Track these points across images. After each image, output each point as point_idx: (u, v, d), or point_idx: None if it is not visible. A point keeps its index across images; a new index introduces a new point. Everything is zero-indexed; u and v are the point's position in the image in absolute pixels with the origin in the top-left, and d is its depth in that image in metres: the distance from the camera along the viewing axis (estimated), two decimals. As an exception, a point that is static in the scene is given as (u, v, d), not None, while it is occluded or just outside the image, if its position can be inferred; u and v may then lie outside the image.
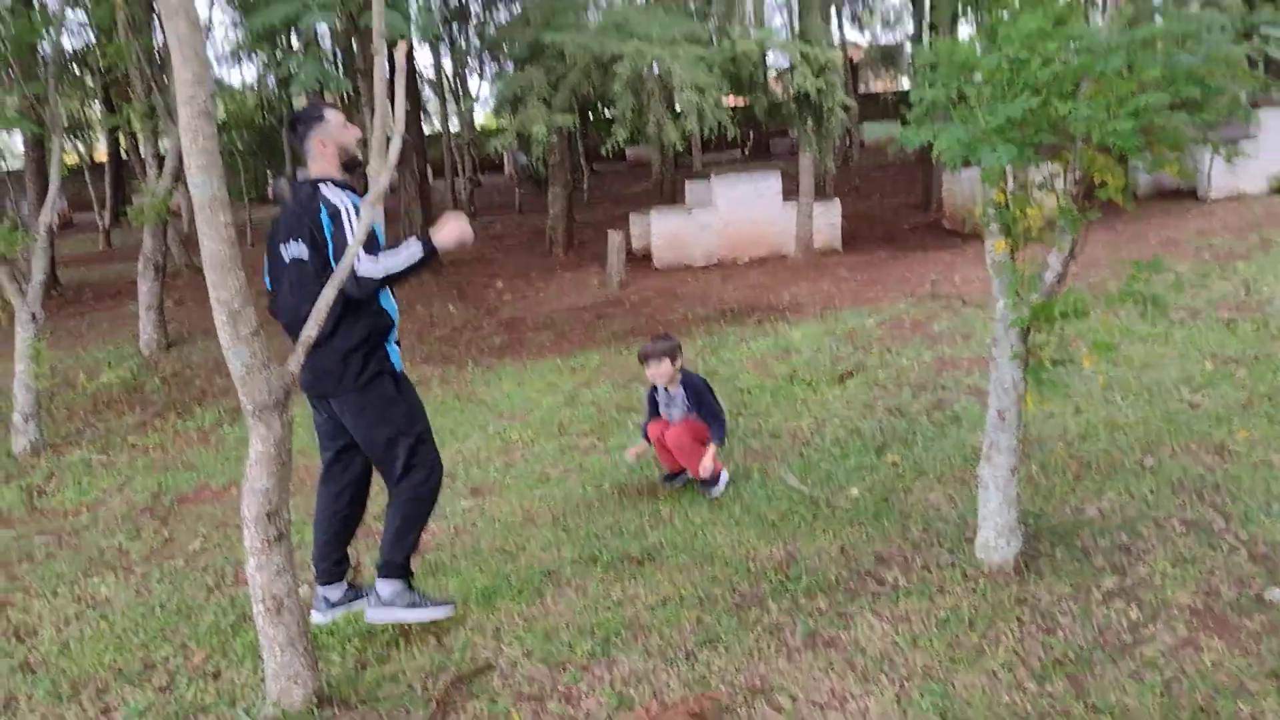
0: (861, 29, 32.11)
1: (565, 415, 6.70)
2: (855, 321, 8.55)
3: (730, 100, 13.21)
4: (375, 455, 3.63)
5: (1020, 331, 3.70)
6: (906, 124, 3.71)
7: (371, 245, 3.35)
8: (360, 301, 3.45)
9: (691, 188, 14.63)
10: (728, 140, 30.48)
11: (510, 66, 10.82)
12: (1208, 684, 2.96)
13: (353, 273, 3.28)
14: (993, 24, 3.57)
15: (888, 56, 31.31)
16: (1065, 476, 4.64)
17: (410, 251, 3.38)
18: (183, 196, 17.34)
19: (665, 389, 5.10)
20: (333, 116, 3.59)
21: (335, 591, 3.81)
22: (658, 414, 5.18)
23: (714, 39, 8.70)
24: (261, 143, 27.95)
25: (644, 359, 5.09)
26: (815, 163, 12.11)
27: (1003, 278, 3.71)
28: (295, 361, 3.24)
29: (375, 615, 3.74)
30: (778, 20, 22.01)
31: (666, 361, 5.01)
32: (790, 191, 13.43)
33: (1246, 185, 13.47)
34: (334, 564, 3.80)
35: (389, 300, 3.61)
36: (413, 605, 3.72)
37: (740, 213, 13.30)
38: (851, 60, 28.27)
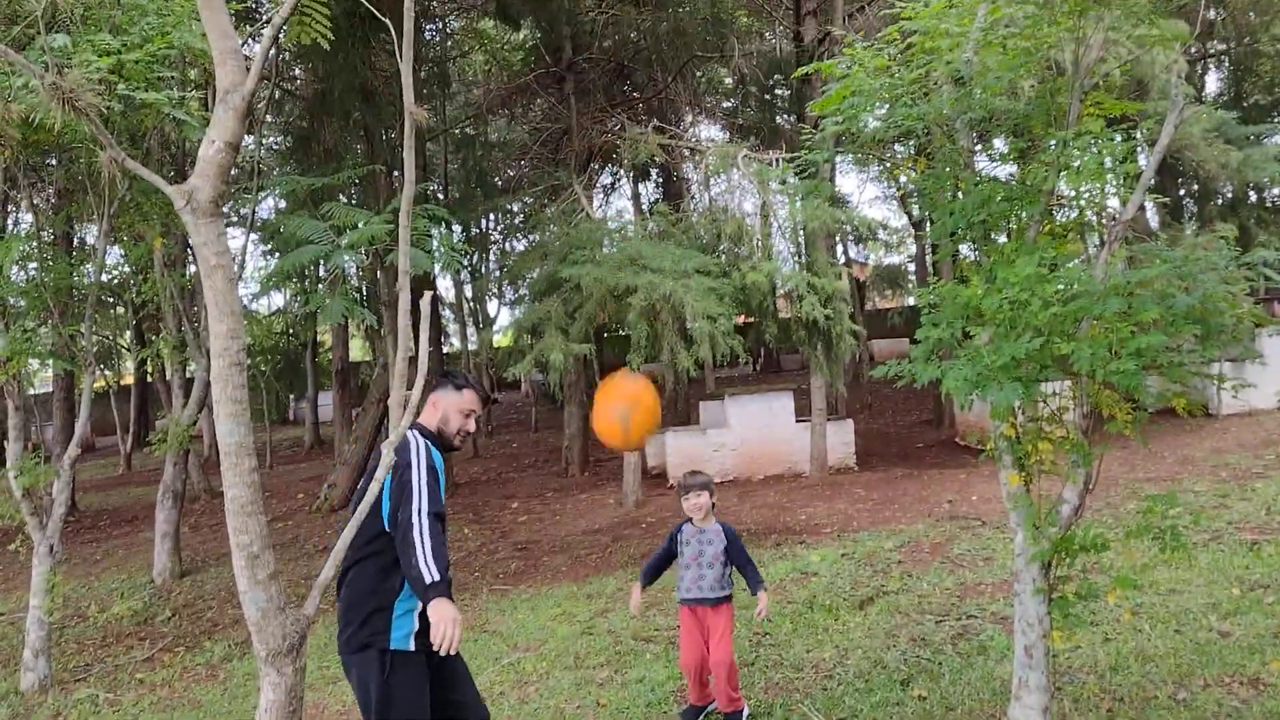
0: (866, 253, 33.37)
1: (581, 646, 6.55)
2: (873, 544, 8.46)
3: (740, 318, 13.63)
4: None
5: (1041, 565, 3.67)
6: (913, 361, 3.83)
7: (435, 502, 3.44)
8: (377, 550, 3.50)
9: (705, 408, 14.84)
10: (738, 358, 31.10)
11: (527, 296, 11.25)
12: None
13: (413, 519, 3.38)
14: (992, 266, 3.75)
15: (892, 277, 32.34)
16: (1099, 712, 4.47)
17: (434, 571, 3.30)
18: (205, 422, 17.64)
19: (698, 527, 4.97)
20: (467, 398, 3.81)
21: None
22: (669, 557, 5.05)
23: (725, 270, 9.08)
24: (285, 367, 28.64)
25: (685, 490, 4.99)
26: (827, 384, 12.33)
27: (1019, 510, 3.72)
28: (311, 603, 3.24)
29: None
30: (786, 250, 22.93)
31: (706, 494, 4.96)
32: (803, 410, 13.61)
33: (1257, 402, 13.57)
34: None
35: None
36: None
37: (754, 432, 13.44)
38: (858, 280, 29.19)
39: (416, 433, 3.65)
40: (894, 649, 5.73)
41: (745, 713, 4.87)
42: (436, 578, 3.28)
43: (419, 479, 3.46)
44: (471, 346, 26.71)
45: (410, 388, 3.75)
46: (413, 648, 3.49)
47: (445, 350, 27.39)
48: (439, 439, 3.76)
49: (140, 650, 7.69)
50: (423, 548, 3.33)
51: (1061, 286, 3.49)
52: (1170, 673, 4.82)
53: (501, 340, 33.07)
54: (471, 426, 3.83)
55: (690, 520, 5.04)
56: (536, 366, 9.12)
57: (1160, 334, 3.29)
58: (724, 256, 9.74)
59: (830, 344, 10.42)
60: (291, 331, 27.39)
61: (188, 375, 11.17)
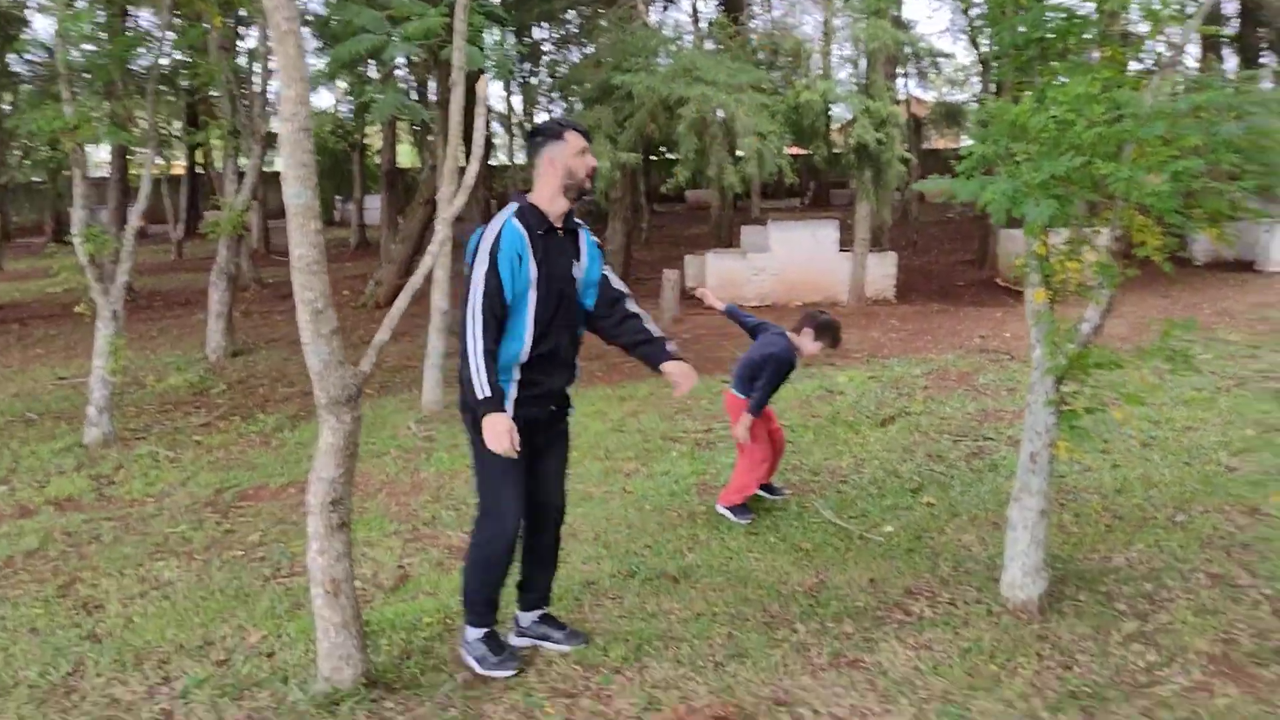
0: (928, 87, 32.35)
1: (611, 441, 6.91)
2: (902, 370, 8.68)
3: (791, 150, 13.50)
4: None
5: (1055, 379, 3.84)
6: (958, 177, 3.90)
7: (496, 303, 3.39)
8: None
9: (747, 232, 14.88)
10: (788, 188, 30.79)
11: (579, 106, 11.17)
12: (1219, 728, 3.06)
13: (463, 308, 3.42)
14: (1043, 87, 3.77)
15: (952, 115, 31.42)
16: (1097, 527, 4.74)
17: (477, 381, 3.36)
18: (255, 214, 17.94)
19: (804, 359, 5.20)
20: (572, 139, 3.52)
21: (525, 617, 3.87)
22: (757, 332, 5.26)
23: (779, 88, 8.96)
24: (332, 167, 28.74)
25: (835, 340, 5.12)
26: (872, 213, 12.30)
27: (1041, 326, 3.86)
28: (367, 361, 3.49)
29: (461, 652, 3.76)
30: (844, 74, 22.30)
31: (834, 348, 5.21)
32: (847, 241, 13.64)
33: (1307, 262, 13.40)
34: (517, 586, 3.84)
35: (519, 328, 3.50)
36: (480, 658, 3.66)
37: (795, 259, 13.50)
38: (916, 117, 28.46)
39: (506, 215, 3.48)
40: (909, 462, 6.02)
41: (744, 516, 5.16)
42: (487, 393, 3.34)
43: (478, 273, 3.39)
44: (519, 160, 26.60)
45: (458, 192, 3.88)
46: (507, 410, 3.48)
47: (492, 163, 27.27)
48: (575, 198, 3.56)
49: (197, 417, 8.17)
50: (474, 358, 3.35)
51: (1108, 109, 3.52)
52: (1172, 498, 5.06)
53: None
54: (593, 161, 3.62)
55: (797, 352, 5.11)
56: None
57: (1199, 159, 3.33)
58: (780, 74, 9.59)
59: (879, 170, 10.34)
60: (339, 132, 27.35)
61: (240, 168, 11.34)
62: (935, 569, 4.39)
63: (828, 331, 5.09)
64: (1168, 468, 5.51)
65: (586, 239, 3.71)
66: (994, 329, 10.75)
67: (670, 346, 3.89)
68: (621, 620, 4.04)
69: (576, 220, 3.68)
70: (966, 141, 4.60)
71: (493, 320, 3.39)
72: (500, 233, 3.42)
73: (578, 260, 3.64)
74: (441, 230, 4.11)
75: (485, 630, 3.70)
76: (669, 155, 21.98)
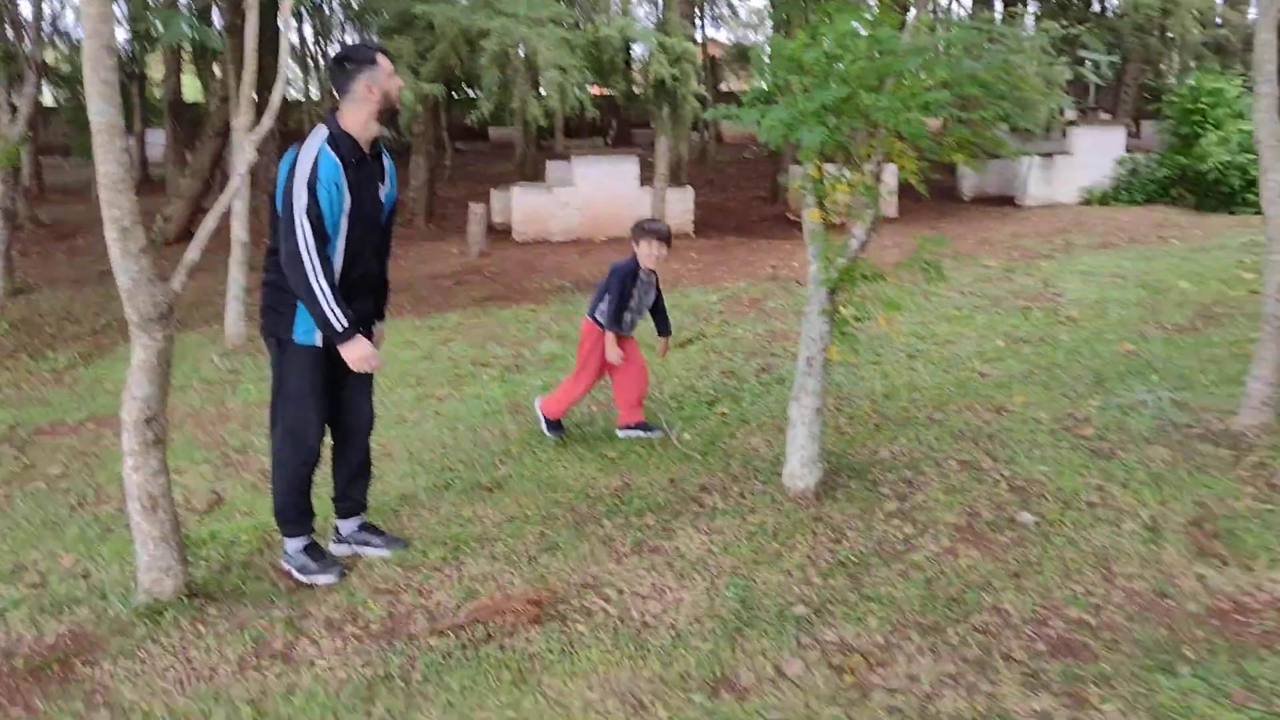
0: (725, 28, 33.15)
1: (422, 369, 7.05)
2: (699, 297, 9.16)
3: (594, 89, 13.73)
4: None
5: (828, 291, 4.28)
6: (742, 106, 4.25)
7: (321, 233, 3.43)
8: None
9: (552, 167, 15.05)
10: (591, 126, 30.97)
11: (376, 36, 10.98)
12: (961, 581, 3.59)
13: (287, 243, 3.42)
14: (816, 24, 4.15)
15: (746, 56, 32.29)
16: (867, 426, 5.30)
17: (331, 315, 3.44)
18: (28, 155, 16.67)
19: (648, 270, 5.25)
20: (383, 62, 3.56)
21: (345, 526, 4.03)
22: (627, 305, 5.23)
23: (579, 24, 9.14)
24: (108, 97, 26.74)
25: (663, 238, 5.20)
26: (671, 149, 12.71)
27: (815, 244, 4.29)
28: (178, 280, 3.54)
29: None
30: (642, 12, 22.61)
31: (667, 248, 5.24)
32: (648, 177, 14.03)
33: (1060, 195, 14.79)
34: (333, 499, 4.02)
35: (332, 255, 3.56)
36: (301, 567, 3.80)
37: (599, 193, 13.80)
38: (713, 57, 29.13)
39: (319, 144, 3.47)
40: (705, 379, 6.46)
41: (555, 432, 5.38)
42: (344, 323, 3.45)
43: (300, 207, 3.39)
44: (314, 97, 25.62)
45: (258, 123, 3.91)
46: (316, 343, 3.59)
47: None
48: (388, 121, 3.64)
49: (-23, 358, 7.75)
50: (322, 294, 3.41)
51: (871, 46, 3.93)
52: (931, 400, 5.69)
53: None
54: (400, 81, 3.73)
55: (639, 263, 5.21)
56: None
57: (946, 92, 3.79)
58: (579, 10, 9.76)
59: (675, 106, 10.73)
60: (119, 57, 25.48)
61: (11, 97, 10.55)
62: (727, 468, 4.82)
63: (648, 231, 5.22)
64: (929, 375, 6.17)
65: (388, 163, 3.84)
66: (784, 259, 11.42)
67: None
68: (439, 527, 4.26)
69: (380, 145, 3.77)
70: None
71: (324, 251, 3.45)
72: (316, 163, 3.42)
73: (382, 184, 3.78)
74: (243, 161, 4.14)
75: (303, 540, 3.85)
76: (471, 92, 21.75)
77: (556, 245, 13.32)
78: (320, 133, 3.52)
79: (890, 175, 11.79)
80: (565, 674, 3.09)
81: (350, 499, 4.04)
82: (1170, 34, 15.16)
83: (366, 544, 4.03)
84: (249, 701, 3.01)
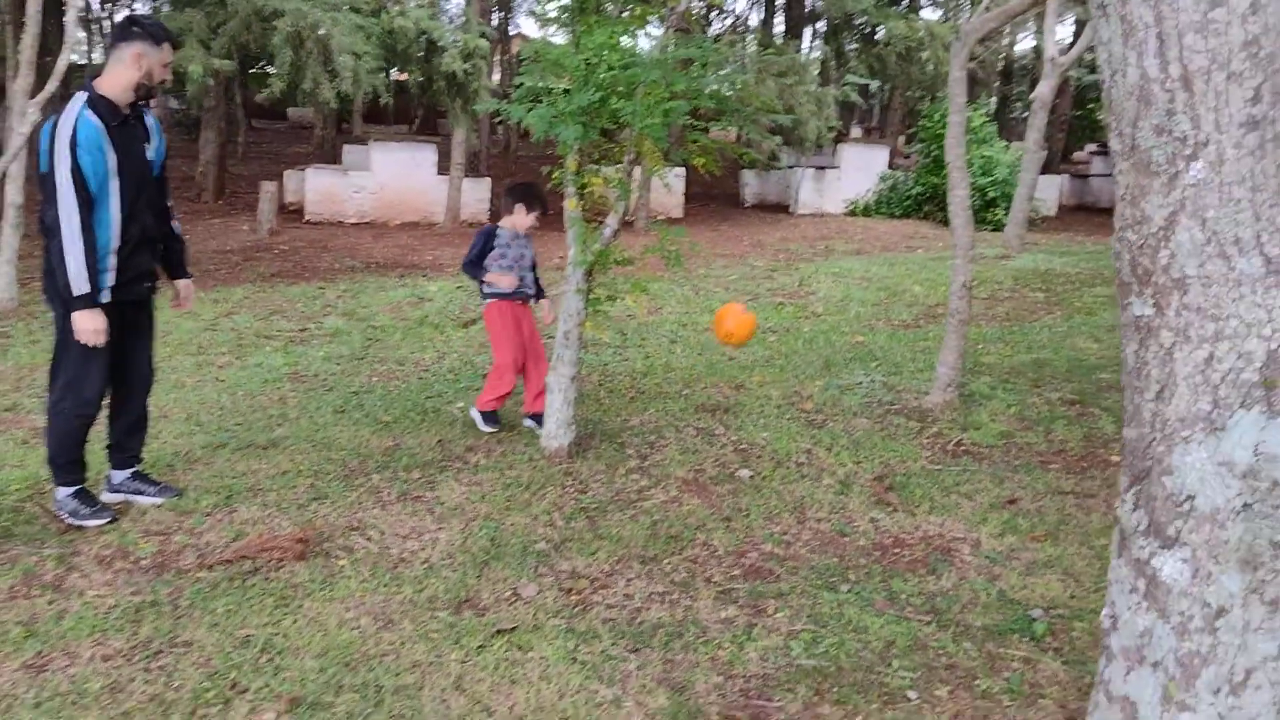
0: (535, 23, 33.56)
1: (204, 338, 7.16)
2: (487, 282, 9.58)
3: (400, 76, 13.88)
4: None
5: (585, 272, 4.81)
6: (512, 102, 4.72)
7: (84, 197, 3.62)
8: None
9: (350, 150, 15.08)
10: (395, 114, 30.68)
11: (167, 7, 10.78)
12: (681, 523, 4.19)
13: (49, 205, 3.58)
14: (579, 34, 4.67)
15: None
16: (623, 399, 5.88)
17: (76, 278, 3.61)
18: None
19: (516, 232, 5.33)
20: (166, 50, 3.79)
21: (118, 475, 4.21)
22: (482, 258, 5.24)
23: (375, 11, 9.37)
24: None
25: (536, 202, 5.27)
26: (466, 140, 13.06)
27: (574, 229, 4.81)
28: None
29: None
30: (453, 4, 22.72)
31: (537, 215, 5.31)
32: (446, 166, 14.29)
33: (829, 206, 16.04)
34: (107, 448, 4.21)
35: (106, 216, 3.75)
36: (73, 512, 3.97)
37: (395, 179, 13.97)
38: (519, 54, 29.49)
39: (78, 109, 3.63)
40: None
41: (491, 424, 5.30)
42: (85, 289, 3.61)
43: (63, 172, 3.57)
44: (98, 59, 24.28)
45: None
46: (104, 300, 3.75)
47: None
48: (144, 97, 3.85)
49: None
50: (74, 257, 3.58)
51: (623, 57, 4.48)
52: (683, 378, 6.34)
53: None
54: (169, 74, 3.89)
55: (501, 226, 5.34)
56: (174, 78, 9.03)
57: (683, 103, 4.39)
58: (377, -2, 9.98)
59: (468, 99, 11.10)
60: None
61: None
62: (495, 433, 5.28)
63: (516, 192, 5.40)
64: (685, 357, 6.84)
65: (150, 119, 4.00)
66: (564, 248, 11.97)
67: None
68: (213, 479, 4.52)
69: (141, 107, 3.91)
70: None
71: (87, 215, 3.62)
72: (76, 127, 3.56)
73: (149, 142, 3.95)
74: (25, 123, 4.28)
75: (75, 487, 4.03)
76: (267, 69, 21.27)
77: (350, 227, 13.41)
78: (79, 98, 3.65)
79: (678, 181, 12.55)
80: (324, 599, 3.46)
81: (126, 450, 4.25)
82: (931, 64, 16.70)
83: (140, 493, 4.25)
84: (19, 623, 3.23)
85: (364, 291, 8.96)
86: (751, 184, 16.90)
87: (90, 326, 3.66)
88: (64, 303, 3.69)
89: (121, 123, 3.76)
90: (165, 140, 4.14)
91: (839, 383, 6.16)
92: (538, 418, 5.12)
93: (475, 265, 5.28)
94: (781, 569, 3.80)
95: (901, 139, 21.98)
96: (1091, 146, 22.94)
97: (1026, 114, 33.46)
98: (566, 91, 4.57)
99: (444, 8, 18.66)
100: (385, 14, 9.21)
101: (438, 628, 3.28)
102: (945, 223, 15.22)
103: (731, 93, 4.63)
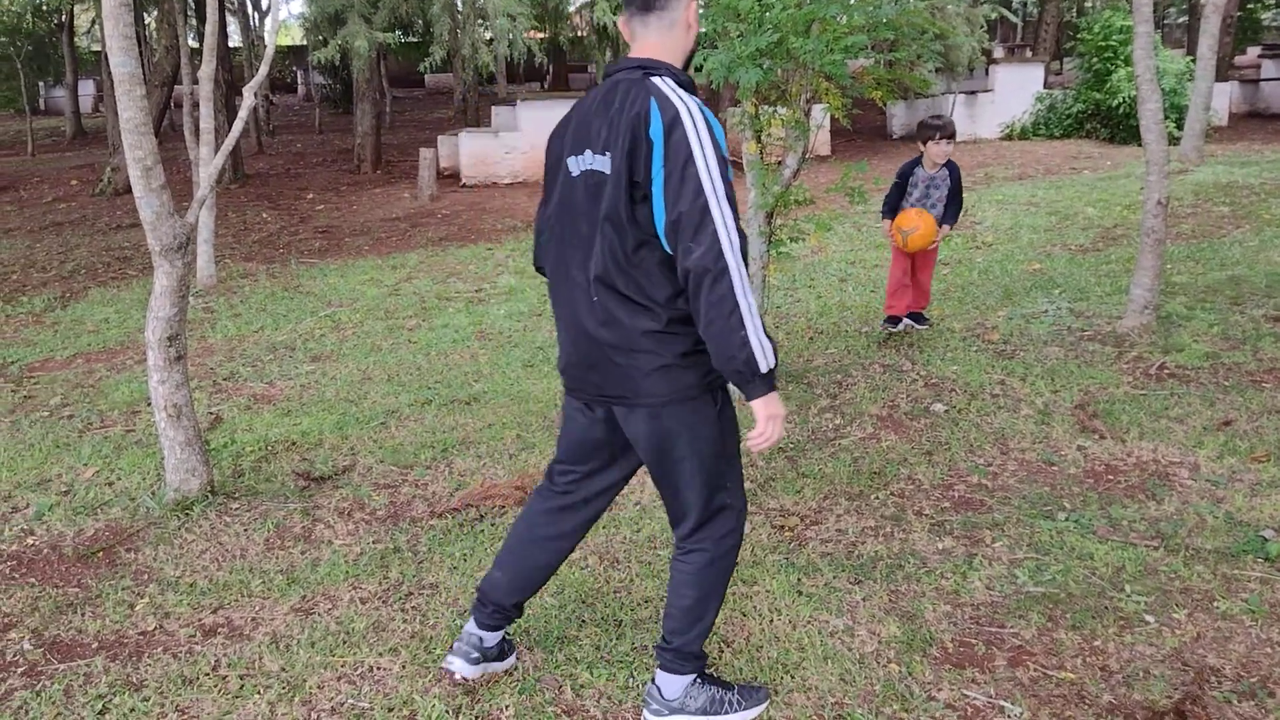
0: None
1: (390, 303, 7.50)
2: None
3: (534, 34, 14.04)
4: (667, 491, 2.49)
5: (766, 215, 4.84)
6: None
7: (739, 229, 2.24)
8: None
9: (497, 112, 15.33)
10: (531, 71, 31.04)
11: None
12: (882, 459, 4.21)
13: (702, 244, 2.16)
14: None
15: None
16: (803, 340, 5.90)
17: (760, 350, 2.19)
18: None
19: (929, 172, 5.51)
20: None
21: (493, 638, 2.78)
22: (902, 192, 5.57)
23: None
24: (35, 51, 26.29)
25: (946, 134, 5.36)
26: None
27: (753, 172, 4.83)
28: (193, 214, 3.98)
29: None
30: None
31: (951, 144, 5.39)
32: (590, 120, 14.41)
33: (983, 131, 15.47)
34: (512, 606, 2.75)
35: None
36: (716, 709, 2.58)
37: (544, 137, 14.05)
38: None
39: (686, 96, 2.27)
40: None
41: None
42: (771, 362, 2.24)
43: (720, 191, 2.19)
44: (258, 39, 25.33)
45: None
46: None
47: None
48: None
49: (-49, 306, 8.03)
50: (751, 318, 2.19)
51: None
52: (860, 316, 6.31)
53: (279, 39, 31.27)
54: None
55: (920, 163, 5.57)
56: (340, 56, 9.41)
57: (863, 36, 4.33)
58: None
59: (618, 50, 11.13)
60: (40, 10, 25.00)
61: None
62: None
63: (928, 128, 5.46)
64: (858, 295, 6.79)
65: None
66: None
67: None
68: (426, 435, 4.78)
69: None
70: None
71: (745, 254, 2.25)
72: (709, 121, 2.24)
73: None
74: (244, 108, 4.54)
75: (702, 666, 2.62)
76: (411, 39, 21.80)
77: (504, 188, 13.71)
78: (662, 80, 2.30)
79: (823, 115, 12.33)
80: (550, 541, 3.64)
81: (519, 613, 2.86)
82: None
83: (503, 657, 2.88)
84: (280, 572, 3.53)
85: (531, 249, 9.17)
86: (899, 114, 16.44)
87: (780, 413, 2.32)
88: (712, 398, 2.39)
89: None
90: None
91: (1023, 311, 6.02)
92: (916, 316, 5.85)
93: (889, 205, 5.68)
94: (992, 500, 3.79)
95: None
96: (1257, 50, 21.36)
97: (1183, 20, 31.41)
98: (741, 35, 4.57)
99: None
100: (536, -27, 9.34)
101: (661, 565, 3.41)
102: (1111, 140, 14.57)
103: (904, 20, 4.54)
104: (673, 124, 2.19)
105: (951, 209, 5.63)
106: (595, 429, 2.55)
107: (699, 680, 2.59)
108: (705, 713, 2.56)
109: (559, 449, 2.70)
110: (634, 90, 2.29)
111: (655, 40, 2.38)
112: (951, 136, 5.45)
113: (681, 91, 2.27)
